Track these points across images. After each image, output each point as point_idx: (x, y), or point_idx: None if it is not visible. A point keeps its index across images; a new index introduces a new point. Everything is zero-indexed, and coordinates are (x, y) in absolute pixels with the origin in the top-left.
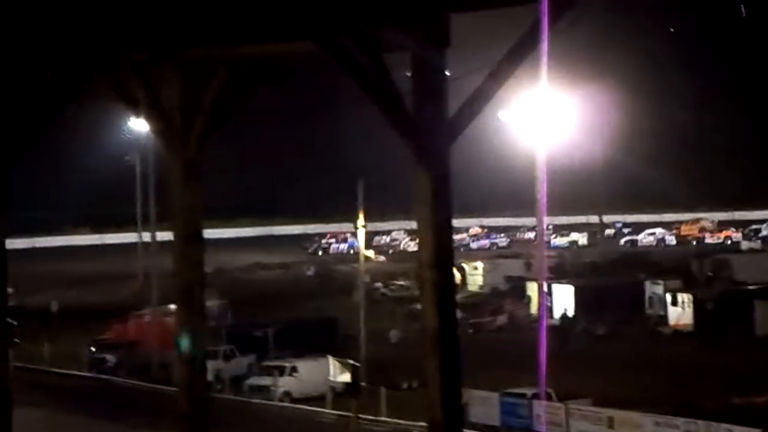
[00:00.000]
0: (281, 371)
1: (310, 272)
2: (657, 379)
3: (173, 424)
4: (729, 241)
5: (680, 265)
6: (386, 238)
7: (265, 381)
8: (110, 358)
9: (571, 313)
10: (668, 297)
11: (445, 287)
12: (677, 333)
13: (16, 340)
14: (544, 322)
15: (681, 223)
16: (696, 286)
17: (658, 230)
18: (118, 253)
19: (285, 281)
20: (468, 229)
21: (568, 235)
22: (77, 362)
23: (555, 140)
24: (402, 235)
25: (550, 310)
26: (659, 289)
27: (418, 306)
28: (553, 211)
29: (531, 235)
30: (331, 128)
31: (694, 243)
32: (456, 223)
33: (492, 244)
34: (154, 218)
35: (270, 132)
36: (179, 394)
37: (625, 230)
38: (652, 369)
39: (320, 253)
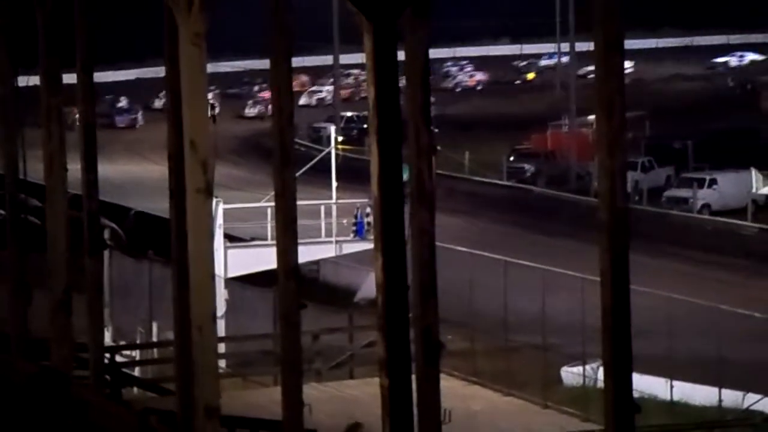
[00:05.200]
0: (700, 183)
1: (732, 83)
2: None
3: (593, 233)
4: None
5: None
6: None
7: (684, 193)
8: (528, 167)
9: None
10: None
11: None
12: None
13: (438, 147)
14: None
15: None
16: None
17: None
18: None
19: (706, 92)
20: None
21: None
22: (496, 171)
23: None
24: None
25: None
26: None
27: None
28: None
29: None
30: None
31: None
32: None
33: None
34: (574, 28)
35: None
36: (600, 204)
37: None
38: None
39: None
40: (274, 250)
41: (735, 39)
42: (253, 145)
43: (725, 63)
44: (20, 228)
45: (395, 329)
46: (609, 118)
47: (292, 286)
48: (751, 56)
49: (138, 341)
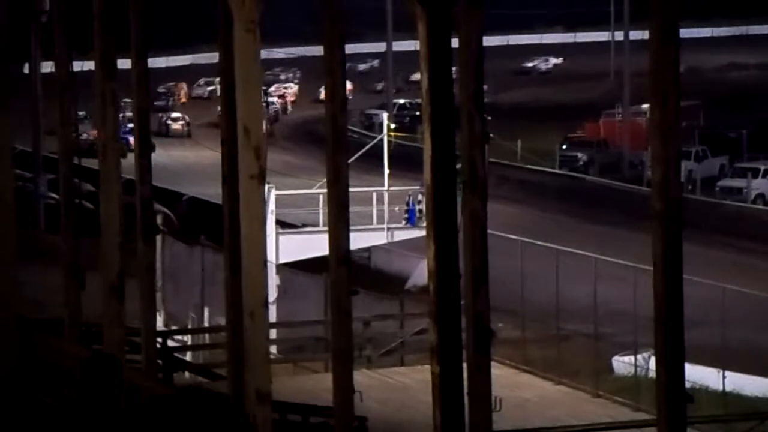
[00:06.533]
0: (755, 173)
1: None
2: None
3: (645, 223)
4: None
5: None
6: None
7: (738, 183)
8: (581, 156)
9: None
10: None
11: None
12: None
13: (491, 135)
14: None
15: None
16: None
17: None
18: (590, 51)
19: (761, 82)
20: None
21: None
22: (549, 159)
23: None
24: None
25: None
26: None
27: None
28: None
29: None
30: None
31: None
32: None
33: None
34: (628, 16)
35: None
36: (653, 194)
37: None
38: None
39: None
40: (325, 237)
41: None
42: None
43: None
44: (74, 213)
45: (447, 316)
46: (663, 107)
47: (344, 272)
48: None
49: (189, 326)
